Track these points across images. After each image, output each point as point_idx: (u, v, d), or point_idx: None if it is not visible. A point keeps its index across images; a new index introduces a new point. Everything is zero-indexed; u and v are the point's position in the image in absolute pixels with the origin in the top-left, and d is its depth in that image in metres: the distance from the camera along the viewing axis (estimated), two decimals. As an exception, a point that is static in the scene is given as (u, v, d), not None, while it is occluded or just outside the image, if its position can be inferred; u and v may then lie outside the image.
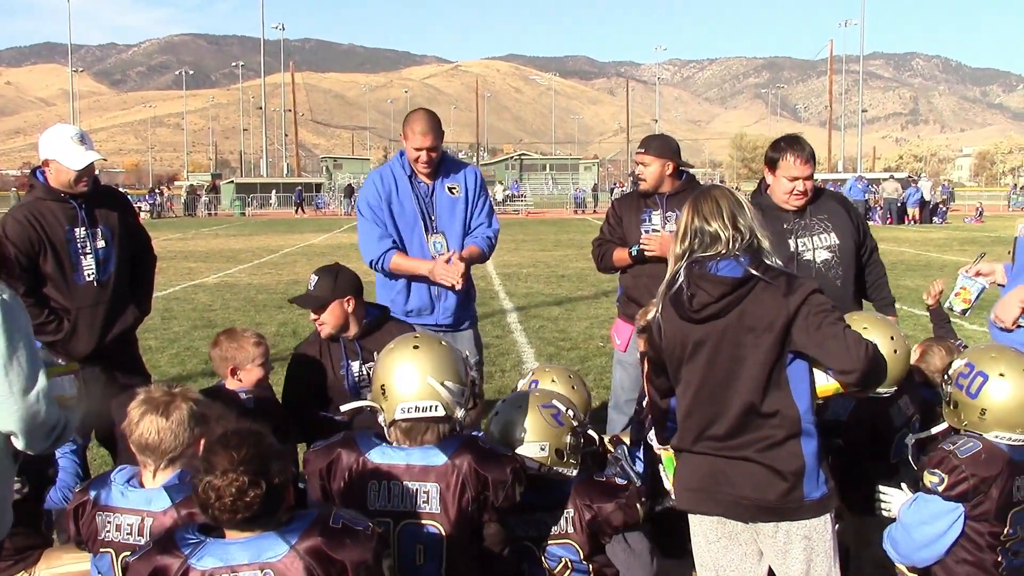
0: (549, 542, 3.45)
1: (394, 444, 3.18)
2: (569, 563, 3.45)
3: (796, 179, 4.71)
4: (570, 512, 3.42)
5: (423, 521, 3.09)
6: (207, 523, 2.54)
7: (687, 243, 3.16)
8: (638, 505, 3.45)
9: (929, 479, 3.38)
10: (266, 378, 4.42)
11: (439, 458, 3.11)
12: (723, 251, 3.09)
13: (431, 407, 3.12)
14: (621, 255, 5.64)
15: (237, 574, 2.40)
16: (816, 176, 5.08)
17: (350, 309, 4.46)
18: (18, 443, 2.82)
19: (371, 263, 5.36)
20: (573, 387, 4.09)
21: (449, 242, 5.32)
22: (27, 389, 2.71)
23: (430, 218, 5.30)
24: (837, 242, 4.84)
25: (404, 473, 3.11)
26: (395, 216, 5.30)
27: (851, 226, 4.91)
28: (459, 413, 3.17)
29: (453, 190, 5.37)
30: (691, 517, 3.26)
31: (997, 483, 3.39)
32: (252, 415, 4.02)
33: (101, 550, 3.08)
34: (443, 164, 5.39)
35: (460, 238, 5.36)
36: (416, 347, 3.20)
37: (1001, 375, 3.39)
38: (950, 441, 3.46)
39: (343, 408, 3.56)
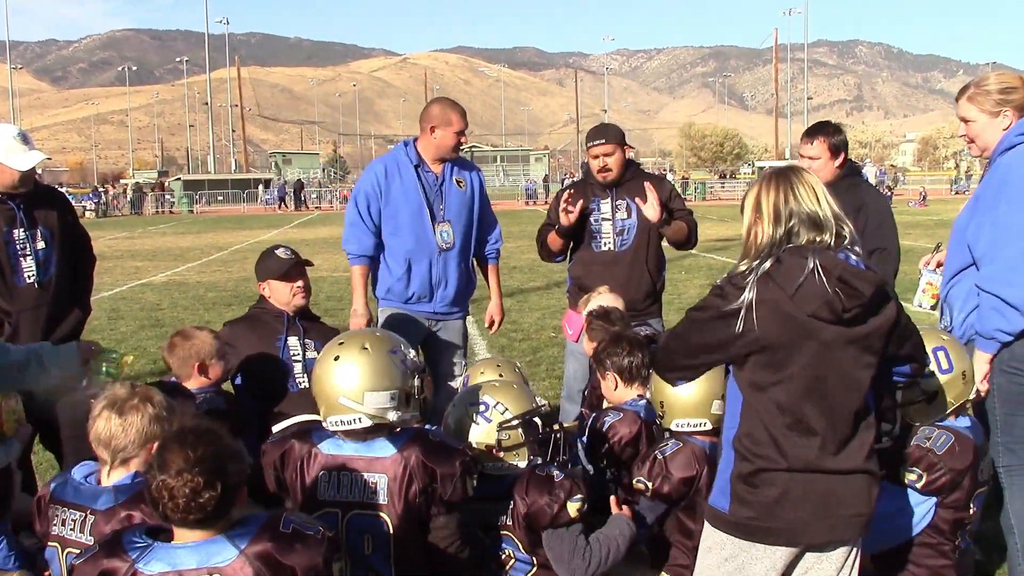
0: (498, 533, 3.46)
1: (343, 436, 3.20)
2: (512, 555, 3.46)
3: (803, 157, 5.06)
4: (510, 504, 3.41)
5: (371, 512, 3.10)
6: (154, 526, 2.52)
7: (781, 231, 2.79)
8: (570, 504, 3.31)
9: (907, 476, 3.45)
10: (225, 373, 4.43)
11: (388, 450, 3.14)
12: (827, 240, 2.78)
13: (355, 420, 3.12)
14: (554, 237, 5.72)
15: None
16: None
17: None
18: None
19: (346, 251, 5.51)
20: (501, 375, 4.14)
21: (455, 233, 5.43)
22: None
23: (439, 208, 5.39)
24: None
25: (353, 464, 3.14)
26: (397, 203, 5.36)
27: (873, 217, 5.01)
28: (392, 416, 3.12)
29: (460, 183, 5.48)
30: (750, 551, 2.83)
31: (970, 473, 3.50)
32: (221, 413, 4.01)
33: (49, 543, 3.10)
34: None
35: (466, 229, 5.50)
36: (336, 358, 3.16)
37: (943, 338, 3.66)
38: (923, 436, 3.52)
39: (276, 428, 3.54)
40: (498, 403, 3.51)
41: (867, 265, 2.78)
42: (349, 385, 3.10)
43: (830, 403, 2.76)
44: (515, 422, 3.49)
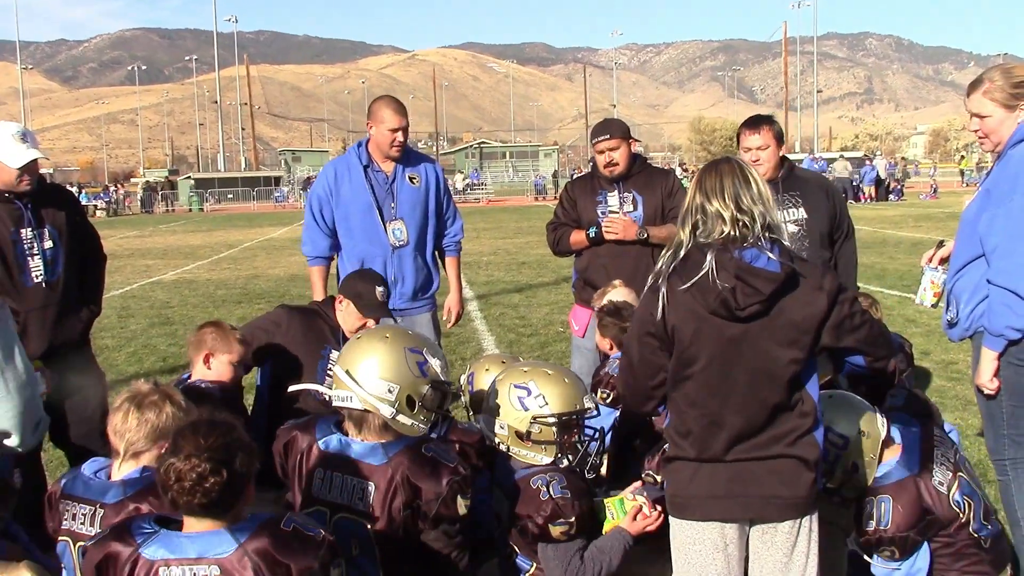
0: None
1: (349, 435, 3.19)
2: (515, 552, 3.46)
3: (748, 150, 5.04)
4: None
5: (356, 516, 3.09)
6: (164, 515, 2.58)
7: (690, 222, 2.92)
8: (552, 527, 3.29)
9: (883, 555, 3.47)
10: (236, 381, 4.38)
11: (380, 457, 3.11)
12: (732, 234, 2.84)
13: (347, 397, 3.13)
14: (578, 237, 5.67)
15: (183, 567, 2.43)
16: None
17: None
18: (11, 441, 2.87)
19: (304, 253, 5.67)
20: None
21: (409, 229, 5.46)
22: (23, 388, 2.76)
23: (390, 206, 5.42)
24: (805, 217, 5.05)
25: (347, 466, 3.13)
26: (347, 204, 5.43)
27: (825, 206, 5.12)
28: (385, 412, 3.09)
29: (414, 180, 5.51)
30: (690, 528, 3.00)
31: (919, 506, 3.47)
32: (216, 406, 4.01)
33: (60, 538, 3.13)
34: (404, 154, 5.51)
35: (420, 227, 5.52)
36: (359, 337, 3.23)
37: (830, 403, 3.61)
38: (868, 516, 3.50)
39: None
40: (540, 395, 3.46)
41: (782, 262, 2.81)
42: (356, 362, 3.13)
43: (741, 397, 2.86)
44: (550, 419, 3.44)
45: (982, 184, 4.03)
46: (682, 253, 2.90)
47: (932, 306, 4.44)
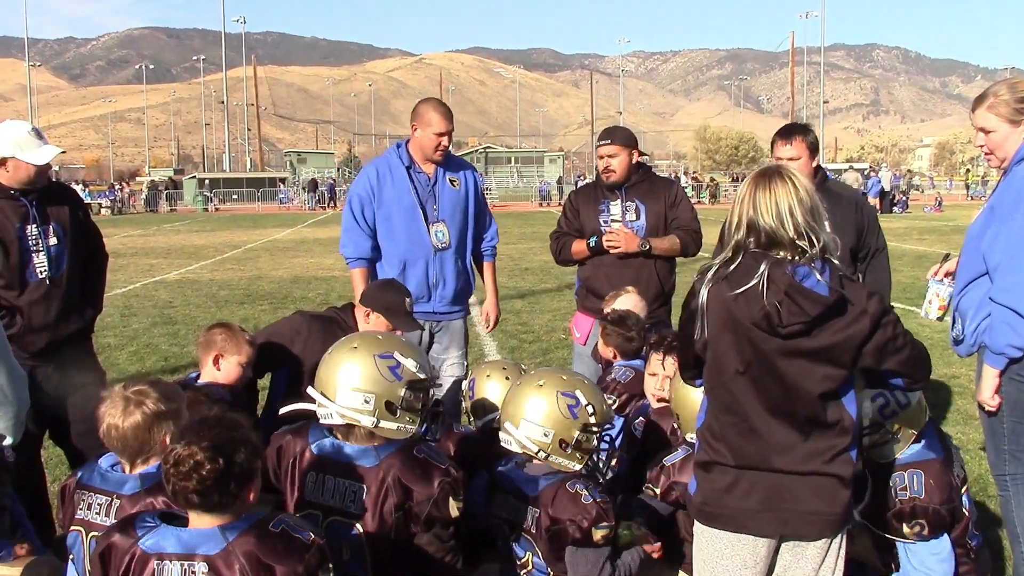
0: (522, 532, 3.41)
1: (339, 438, 3.20)
2: (531, 561, 3.42)
3: (780, 159, 4.94)
4: (536, 512, 3.36)
5: (347, 520, 3.08)
6: (170, 512, 2.62)
7: (741, 235, 2.85)
8: (595, 530, 3.27)
9: (910, 532, 3.44)
10: (244, 382, 4.39)
11: (372, 460, 3.09)
12: (787, 255, 2.78)
13: (329, 414, 3.14)
14: (580, 247, 5.68)
15: (172, 562, 2.45)
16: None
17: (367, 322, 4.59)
18: (7, 441, 2.89)
19: (344, 256, 5.59)
20: (507, 378, 4.11)
21: (451, 232, 5.44)
22: (19, 392, 2.78)
23: (433, 208, 5.40)
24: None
25: (339, 469, 3.12)
26: (390, 205, 5.39)
27: (852, 221, 4.94)
28: (365, 421, 3.08)
29: (454, 182, 5.49)
30: (721, 539, 2.93)
31: (951, 483, 3.49)
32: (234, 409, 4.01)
33: (72, 527, 3.14)
34: (444, 157, 5.50)
35: (461, 228, 5.51)
36: (331, 352, 3.20)
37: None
38: (898, 488, 3.50)
39: (283, 409, 3.50)
40: (589, 404, 3.44)
41: (829, 285, 2.75)
42: (327, 379, 3.12)
43: (777, 408, 2.82)
44: (595, 428, 3.45)
45: (988, 200, 4.02)
46: (738, 260, 2.83)
47: (937, 319, 4.43)
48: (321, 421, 3.17)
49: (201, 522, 2.51)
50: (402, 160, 5.42)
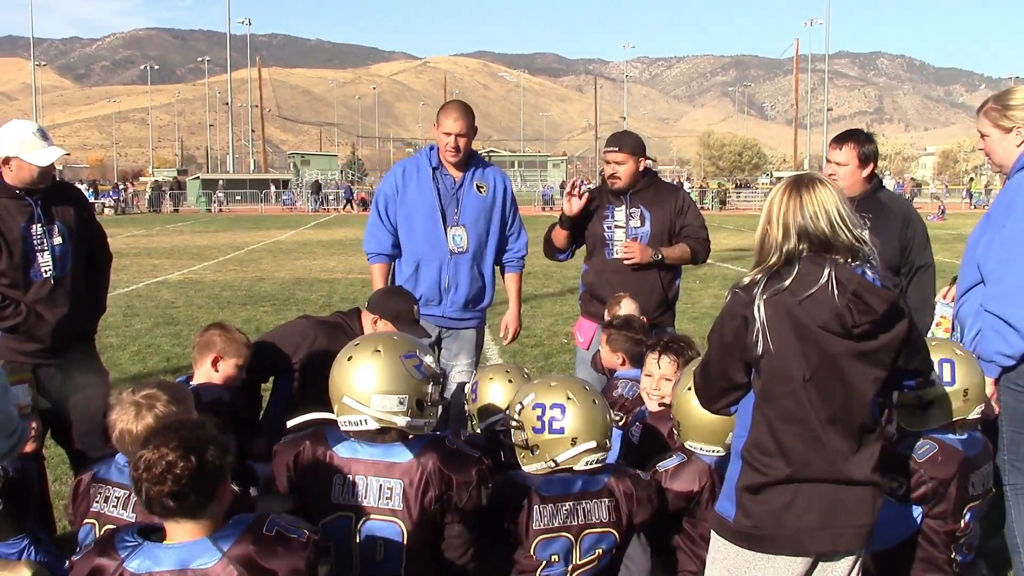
0: (586, 532, 3.39)
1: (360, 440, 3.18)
2: (602, 551, 3.42)
3: (830, 163, 5.05)
4: (608, 501, 3.39)
5: (385, 518, 3.08)
6: (149, 526, 2.56)
7: (792, 243, 2.77)
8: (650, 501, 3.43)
9: (888, 485, 3.36)
10: (237, 382, 4.37)
11: (405, 455, 3.11)
12: (841, 258, 2.76)
13: (362, 421, 3.11)
14: (558, 230, 5.73)
15: None
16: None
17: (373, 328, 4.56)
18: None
19: (365, 252, 5.62)
20: (510, 380, 4.13)
21: (469, 236, 5.43)
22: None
23: (454, 211, 5.40)
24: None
25: (369, 469, 3.11)
26: (412, 204, 5.42)
27: (897, 235, 4.91)
28: (400, 422, 3.08)
29: (481, 188, 5.49)
30: (764, 562, 2.82)
31: (954, 483, 3.44)
32: (226, 409, 4.02)
33: (85, 521, 3.16)
34: (474, 161, 5.52)
35: (481, 236, 5.50)
36: (349, 358, 3.15)
37: (956, 353, 3.55)
38: (905, 445, 3.48)
39: (291, 423, 3.45)
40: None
41: (883, 282, 2.76)
42: (358, 387, 3.09)
43: (837, 414, 2.76)
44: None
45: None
46: (791, 268, 2.76)
47: None
48: (346, 428, 3.14)
49: (181, 532, 2.45)
50: (430, 161, 5.44)
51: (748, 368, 2.85)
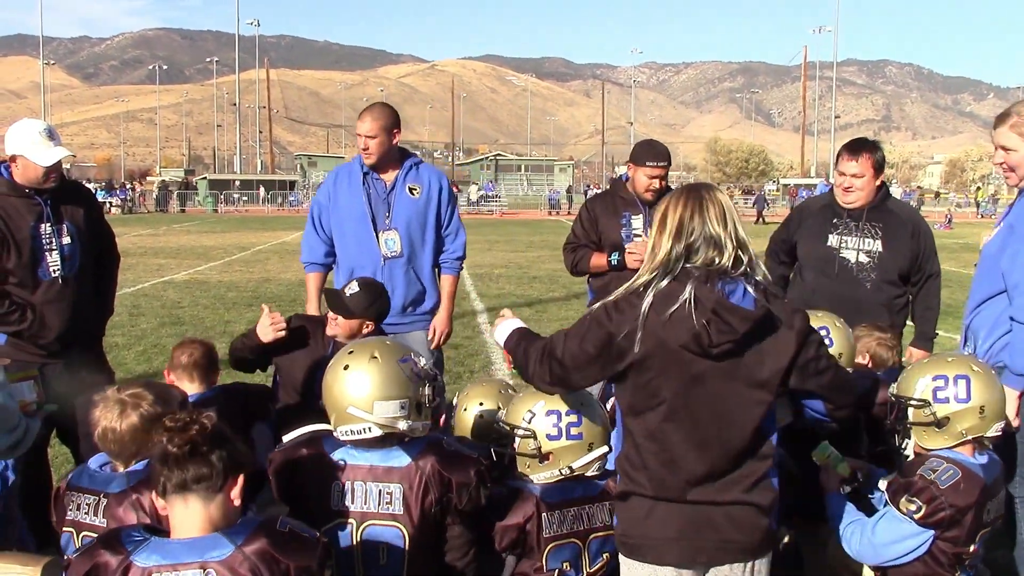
0: (592, 536, 3.41)
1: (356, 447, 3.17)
2: (609, 556, 3.43)
3: (843, 175, 4.98)
4: (609, 504, 3.37)
5: (386, 522, 3.08)
6: (152, 525, 2.56)
7: (680, 247, 2.76)
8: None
9: (907, 506, 3.31)
10: (213, 381, 4.44)
11: (403, 459, 3.11)
12: (721, 266, 2.73)
13: (365, 429, 3.09)
14: (599, 261, 5.60)
15: (179, 572, 2.37)
16: (789, 182, 5.15)
17: (364, 331, 4.38)
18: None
19: (301, 261, 5.58)
20: (501, 391, 4.08)
21: (403, 240, 5.31)
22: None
23: (385, 215, 5.29)
24: (880, 251, 4.88)
25: (367, 474, 3.10)
26: (343, 211, 5.35)
27: (908, 244, 4.91)
28: (402, 426, 3.08)
29: (414, 190, 5.36)
30: (643, 570, 2.88)
31: (973, 511, 3.37)
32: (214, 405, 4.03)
33: (64, 529, 3.15)
34: (406, 164, 5.39)
35: (415, 239, 5.36)
36: (346, 367, 3.12)
37: (973, 369, 3.40)
38: (928, 468, 3.34)
39: (286, 437, 3.42)
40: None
41: (758, 299, 2.71)
42: (358, 395, 3.07)
43: (703, 436, 2.74)
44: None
45: (1004, 219, 3.98)
46: (666, 281, 2.74)
47: None
48: (346, 438, 3.13)
49: (189, 523, 2.43)
50: (362, 167, 5.32)
51: (600, 370, 2.83)
